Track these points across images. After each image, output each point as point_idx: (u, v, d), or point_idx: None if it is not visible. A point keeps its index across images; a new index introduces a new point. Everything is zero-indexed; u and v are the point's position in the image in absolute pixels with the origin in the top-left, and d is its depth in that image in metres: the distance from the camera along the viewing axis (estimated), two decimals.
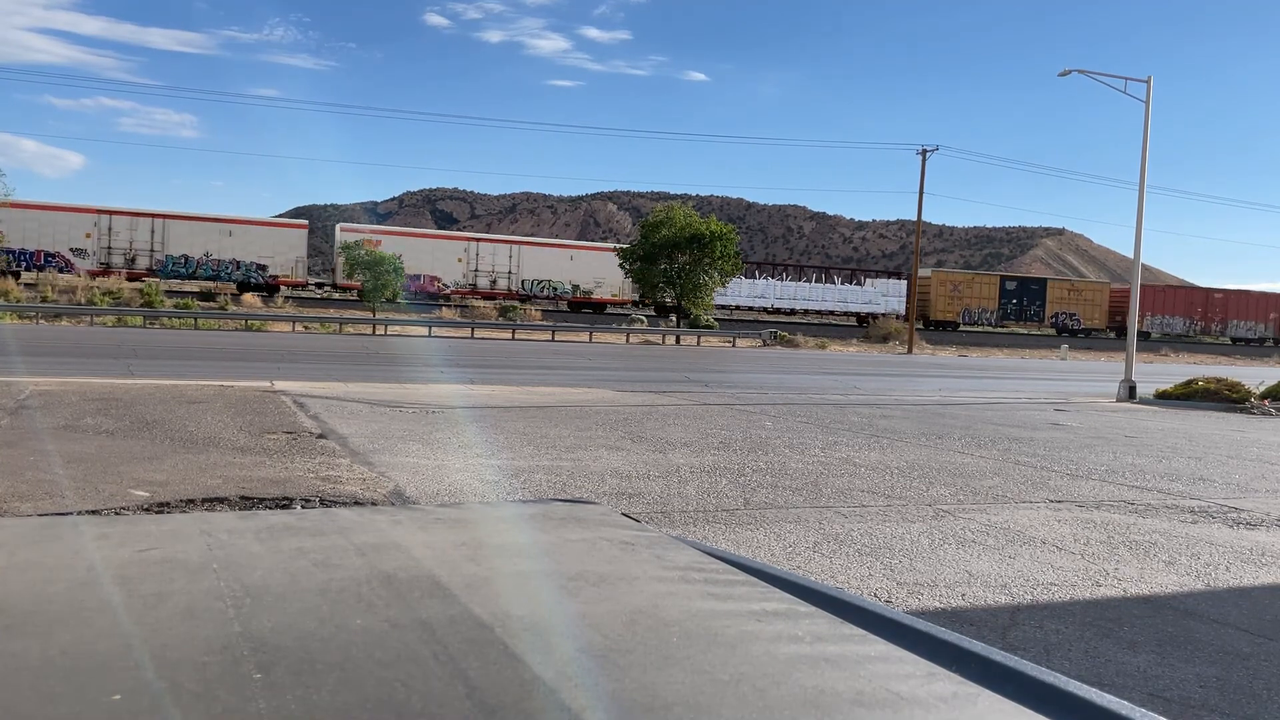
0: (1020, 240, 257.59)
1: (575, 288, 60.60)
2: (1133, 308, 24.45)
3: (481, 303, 56.23)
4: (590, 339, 45.87)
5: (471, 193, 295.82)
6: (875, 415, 15.49)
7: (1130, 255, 26.13)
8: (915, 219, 58.00)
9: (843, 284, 67.41)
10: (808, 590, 1.41)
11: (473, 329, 45.01)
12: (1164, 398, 21.87)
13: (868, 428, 13.60)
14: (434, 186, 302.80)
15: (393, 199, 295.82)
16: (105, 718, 0.88)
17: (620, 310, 60.52)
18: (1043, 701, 1.03)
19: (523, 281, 59.56)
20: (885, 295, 67.30)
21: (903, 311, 64.48)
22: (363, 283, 47.22)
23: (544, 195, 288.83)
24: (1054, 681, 1.08)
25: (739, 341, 50.55)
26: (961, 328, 68.36)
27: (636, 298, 60.64)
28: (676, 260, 52.37)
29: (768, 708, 0.96)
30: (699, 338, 49.98)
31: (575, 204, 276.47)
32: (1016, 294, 71.78)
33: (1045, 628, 4.90)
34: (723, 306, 60.28)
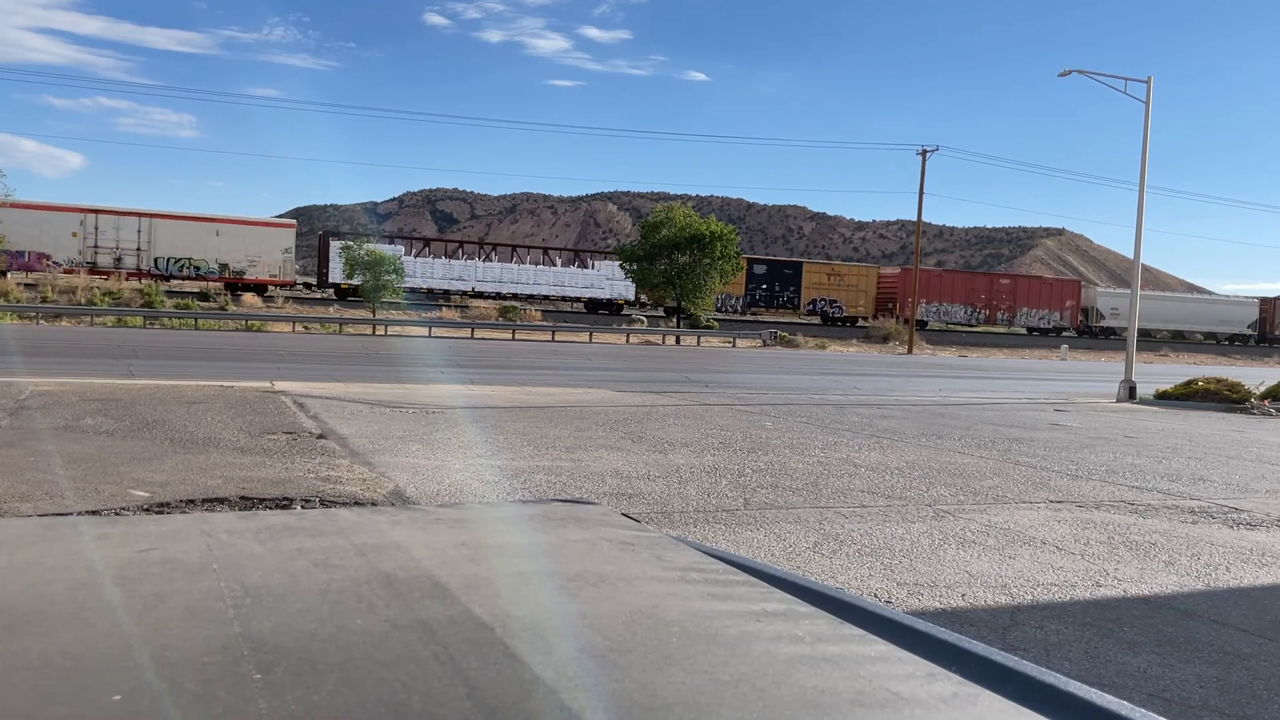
0: (1020, 240, 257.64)
1: (224, 267, 54.12)
2: (1133, 307, 24.45)
3: (99, 281, 49.14)
4: (590, 339, 45.86)
5: (471, 193, 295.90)
6: (875, 415, 15.49)
7: (1130, 255, 26.14)
8: (915, 219, 58.00)
9: (565, 266, 61.75)
10: (808, 590, 1.41)
11: (472, 329, 45.02)
12: (1164, 398, 21.87)
13: (868, 428, 13.60)
14: (434, 187, 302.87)
15: (393, 199, 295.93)
16: (105, 718, 0.88)
17: (288, 293, 54.68)
18: (1043, 702, 1.03)
19: (155, 260, 53.01)
20: (611, 279, 61.11)
21: (631, 297, 60.34)
22: (364, 283, 47.13)
23: (544, 195, 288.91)
24: (1054, 682, 1.08)
25: (739, 342, 50.55)
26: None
27: (297, 278, 56.65)
28: (676, 261, 52.34)
29: (768, 708, 0.96)
30: (699, 338, 49.98)
31: (575, 204, 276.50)
32: (767, 278, 65.66)
33: (1045, 628, 4.90)
34: (413, 290, 54.68)
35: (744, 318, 63.23)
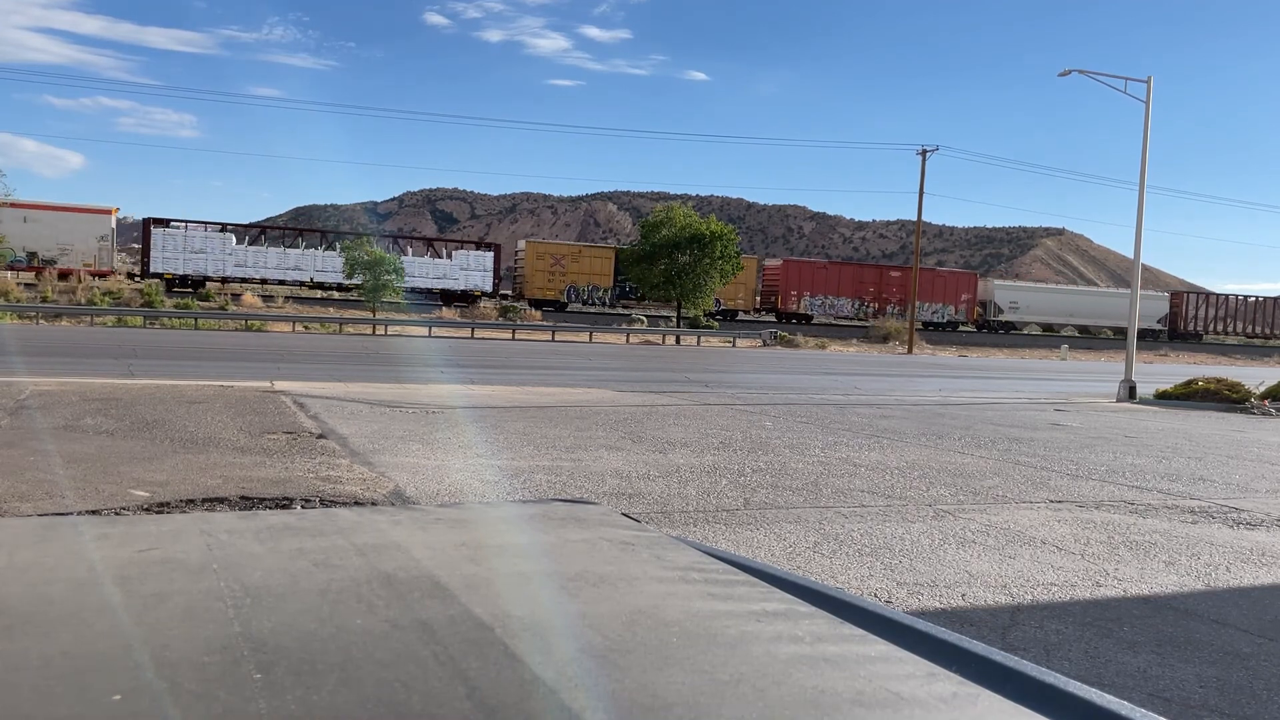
0: (1020, 240, 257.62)
1: (32, 255, 50.33)
2: (1133, 306, 24.45)
3: (99, 281, 49.04)
4: (590, 339, 45.87)
5: (471, 193, 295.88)
6: (875, 415, 15.49)
7: (1130, 255, 26.14)
8: (915, 219, 58.00)
9: (418, 256, 57.65)
10: (808, 590, 1.41)
11: (473, 329, 45.02)
12: (1164, 398, 21.87)
13: (868, 428, 13.60)
14: (434, 187, 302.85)
15: (393, 199, 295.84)
16: (105, 718, 0.88)
17: (103, 283, 49.70)
18: (1043, 702, 1.03)
19: None
20: (467, 269, 57.60)
21: (489, 288, 57.46)
22: (365, 283, 47.00)
23: (544, 195, 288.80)
24: (1054, 681, 1.08)
25: (739, 342, 50.56)
26: (569, 308, 58.84)
27: (118, 267, 52.72)
28: (676, 260, 52.34)
29: (768, 708, 0.96)
30: (699, 338, 49.99)
31: (575, 204, 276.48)
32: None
33: (1045, 628, 4.90)
34: (246, 280, 52.51)
35: (613, 310, 58.66)
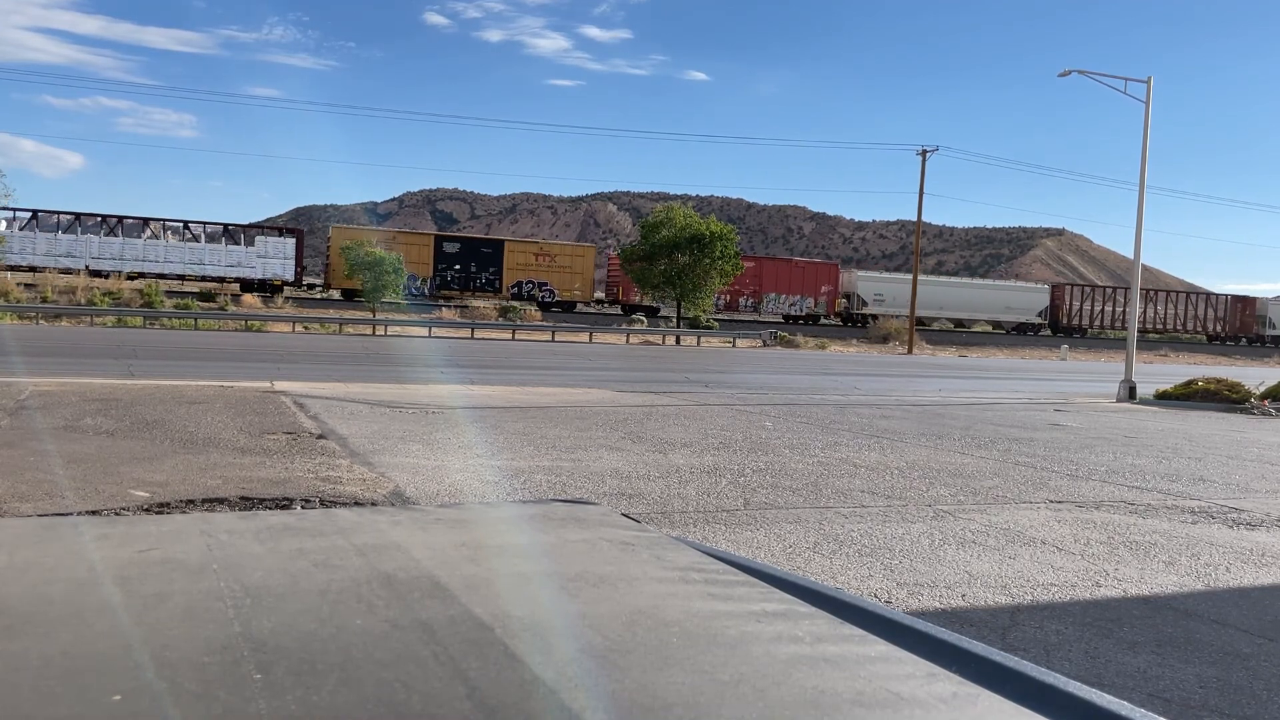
0: (1020, 240, 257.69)
1: None
2: (1133, 305, 24.45)
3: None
4: (590, 339, 45.87)
5: (471, 193, 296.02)
6: (875, 416, 15.49)
7: (1130, 255, 26.16)
8: (915, 219, 58.00)
9: (211, 243, 53.88)
10: (808, 591, 1.41)
11: (472, 329, 45.02)
12: (1164, 398, 21.87)
13: (868, 428, 13.60)
14: (434, 187, 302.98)
15: (393, 199, 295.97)
16: (105, 718, 0.88)
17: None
18: (1043, 702, 1.03)
19: None
20: (266, 257, 54.14)
21: (291, 277, 54.45)
22: (364, 284, 46.96)
23: (544, 195, 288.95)
24: (1054, 682, 1.08)
25: (739, 342, 50.56)
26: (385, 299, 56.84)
27: None
28: (676, 261, 52.32)
29: (768, 708, 0.96)
30: (699, 338, 49.99)
31: (575, 204, 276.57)
32: (460, 258, 58.96)
33: (1045, 628, 4.90)
34: (13, 269, 48.73)
35: (433, 302, 55.64)
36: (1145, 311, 73.87)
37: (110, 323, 38.37)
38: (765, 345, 50.83)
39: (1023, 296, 70.89)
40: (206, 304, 46.66)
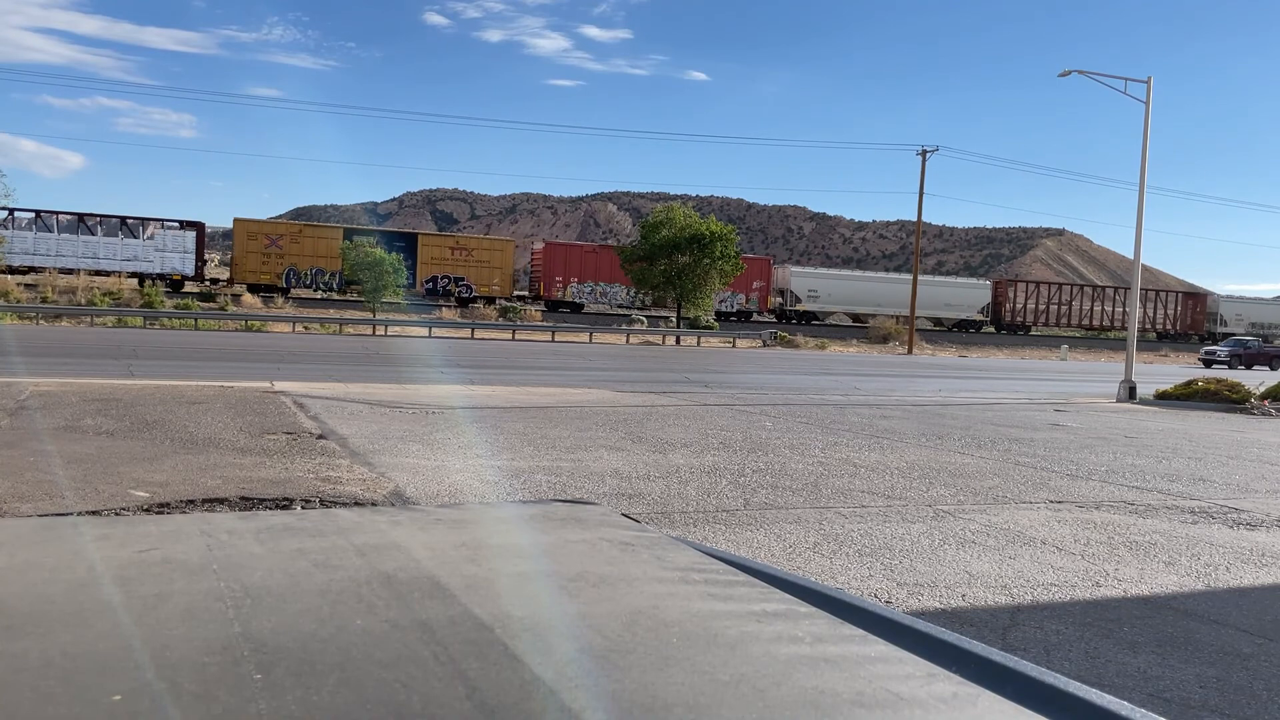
0: (1020, 241, 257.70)
1: None
2: (1133, 304, 24.45)
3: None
4: (590, 339, 45.87)
5: (471, 193, 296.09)
6: (875, 416, 15.49)
7: (1130, 255, 26.14)
8: (915, 219, 57.99)
9: (109, 236, 51.49)
10: (808, 591, 1.41)
11: (472, 330, 45.03)
12: (1164, 398, 21.87)
13: (868, 428, 13.60)
14: (434, 187, 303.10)
15: (393, 199, 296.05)
16: (105, 718, 0.88)
17: None
18: (1043, 702, 1.03)
19: None
20: (164, 250, 52.41)
21: (191, 272, 52.92)
22: (364, 283, 46.94)
23: (544, 196, 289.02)
24: (1054, 682, 1.08)
25: (739, 342, 50.56)
26: (293, 292, 53.67)
27: None
28: (676, 261, 52.32)
29: (768, 708, 0.96)
30: (699, 338, 49.99)
31: (575, 204, 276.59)
32: None
33: (1045, 628, 4.90)
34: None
35: (343, 297, 53.98)
36: (1093, 308, 72.91)
37: (110, 323, 38.37)
38: (765, 345, 50.84)
39: (964, 293, 69.09)
40: (207, 304, 46.68)
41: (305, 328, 41.92)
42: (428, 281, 57.35)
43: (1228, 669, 4.45)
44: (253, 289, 52.95)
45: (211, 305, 46.54)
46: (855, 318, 65.66)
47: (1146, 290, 77.47)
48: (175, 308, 42.94)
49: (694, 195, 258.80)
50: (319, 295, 54.65)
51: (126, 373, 17.34)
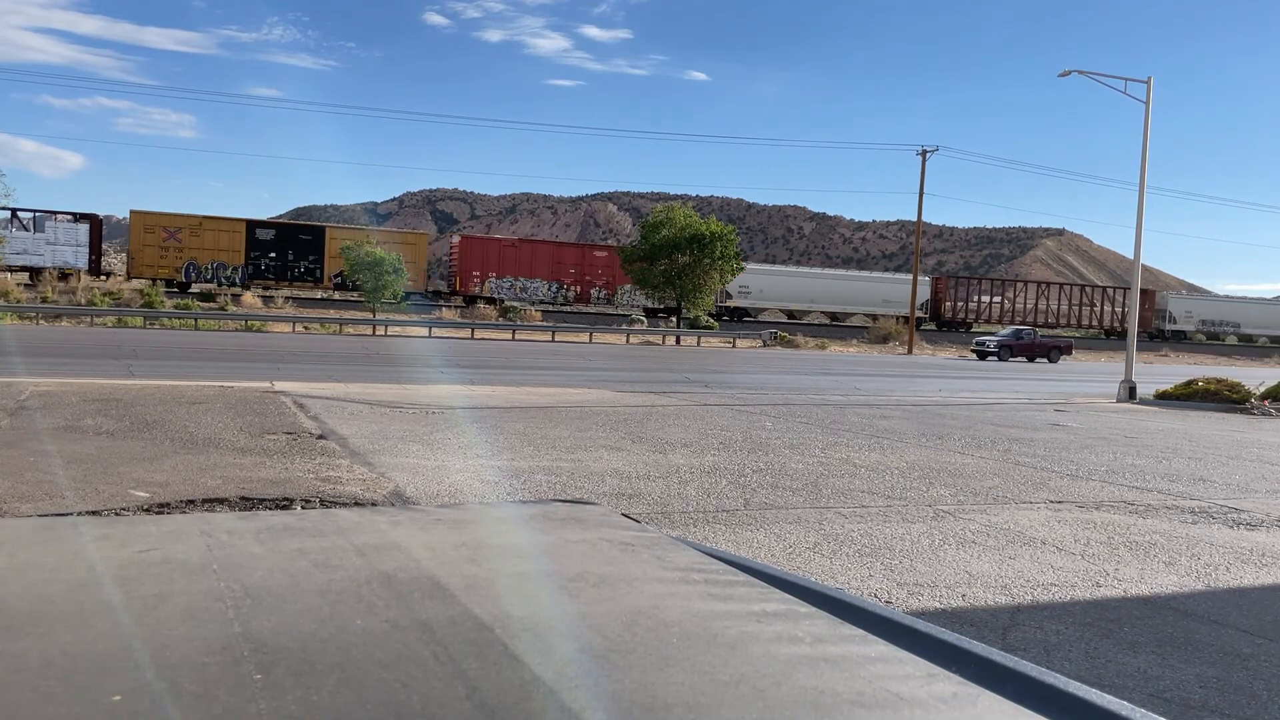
0: (1020, 241, 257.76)
1: None
2: (1133, 304, 24.45)
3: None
4: (590, 339, 45.87)
5: (471, 193, 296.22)
6: (875, 416, 15.49)
7: (1130, 255, 26.15)
8: (915, 219, 57.98)
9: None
10: (808, 591, 1.41)
11: (472, 330, 45.04)
12: (1164, 398, 21.87)
13: (868, 428, 13.60)
14: (434, 187, 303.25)
15: (393, 199, 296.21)
16: (105, 718, 0.88)
17: None
18: (1043, 702, 1.03)
19: None
20: (55, 244, 50.73)
21: (84, 265, 50.86)
22: (364, 283, 46.93)
23: (544, 196, 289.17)
24: (1054, 682, 1.08)
25: (739, 342, 50.57)
26: (193, 288, 52.01)
27: None
28: (676, 261, 52.33)
29: (768, 708, 0.96)
30: (699, 338, 50.00)
31: (575, 204, 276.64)
32: (277, 245, 55.18)
33: (1045, 628, 4.90)
34: None
35: (249, 292, 52.12)
36: (1037, 304, 71.14)
37: (110, 323, 38.37)
38: (765, 345, 50.85)
39: (901, 289, 65.95)
40: (207, 304, 46.67)
41: (305, 328, 41.92)
42: (335, 275, 55.38)
43: (1228, 669, 4.45)
44: (152, 284, 50.09)
45: (212, 305, 46.54)
46: (790, 314, 63.71)
47: (1094, 287, 76.33)
48: (175, 308, 42.95)
49: (694, 195, 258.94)
50: (223, 290, 52.34)
51: (126, 373, 17.34)
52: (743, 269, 55.55)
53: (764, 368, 31.13)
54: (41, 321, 37.50)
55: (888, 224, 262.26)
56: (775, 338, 52.62)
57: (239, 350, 26.81)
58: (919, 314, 66.20)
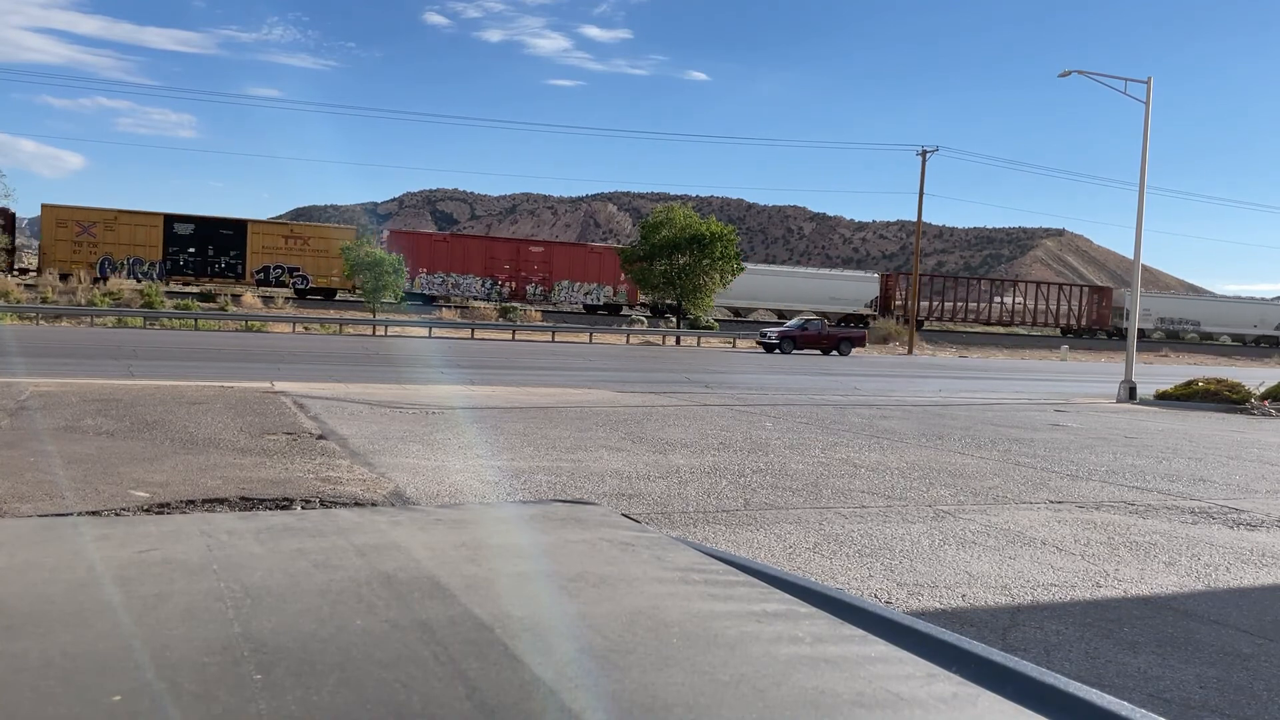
0: (1020, 241, 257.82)
1: None
2: (1134, 303, 24.45)
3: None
4: (590, 340, 45.88)
5: (471, 193, 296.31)
6: (875, 416, 15.49)
7: (1130, 255, 26.15)
8: (915, 219, 57.98)
9: None
10: (808, 591, 1.41)
11: (472, 330, 45.04)
12: (1164, 398, 21.87)
13: (868, 428, 13.59)
14: (434, 187, 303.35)
15: (393, 199, 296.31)
16: (105, 718, 0.88)
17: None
18: (1043, 702, 1.03)
19: None
20: None
21: None
22: (364, 283, 46.92)
23: (544, 196, 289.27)
24: (1054, 682, 1.08)
25: (739, 342, 50.58)
26: (109, 283, 49.16)
27: None
28: (676, 261, 52.32)
29: (768, 708, 0.96)
30: (699, 338, 50.00)
31: (575, 204, 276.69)
32: (196, 240, 53.72)
33: (1045, 628, 4.90)
34: None
35: (169, 288, 50.43)
36: (990, 304, 69.86)
37: (110, 323, 38.37)
38: None
39: (849, 286, 65.78)
40: (207, 304, 46.67)
41: (305, 328, 41.93)
42: (258, 271, 54.24)
43: (1228, 669, 4.45)
44: (64, 279, 48.96)
45: (212, 305, 46.54)
46: (736, 311, 62.50)
47: (1050, 285, 74.93)
48: (175, 308, 42.96)
49: (694, 195, 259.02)
50: (140, 285, 50.45)
51: (126, 373, 17.34)
52: (743, 269, 55.47)
53: (764, 368, 31.13)
54: (41, 322, 37.50)
55: (888, 224, 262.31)
56: None
57: (239, 350, 26.81)
58: (866, 310, 65.33)
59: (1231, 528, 7.74)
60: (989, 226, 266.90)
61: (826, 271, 72.70)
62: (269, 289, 53.60)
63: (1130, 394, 22.36)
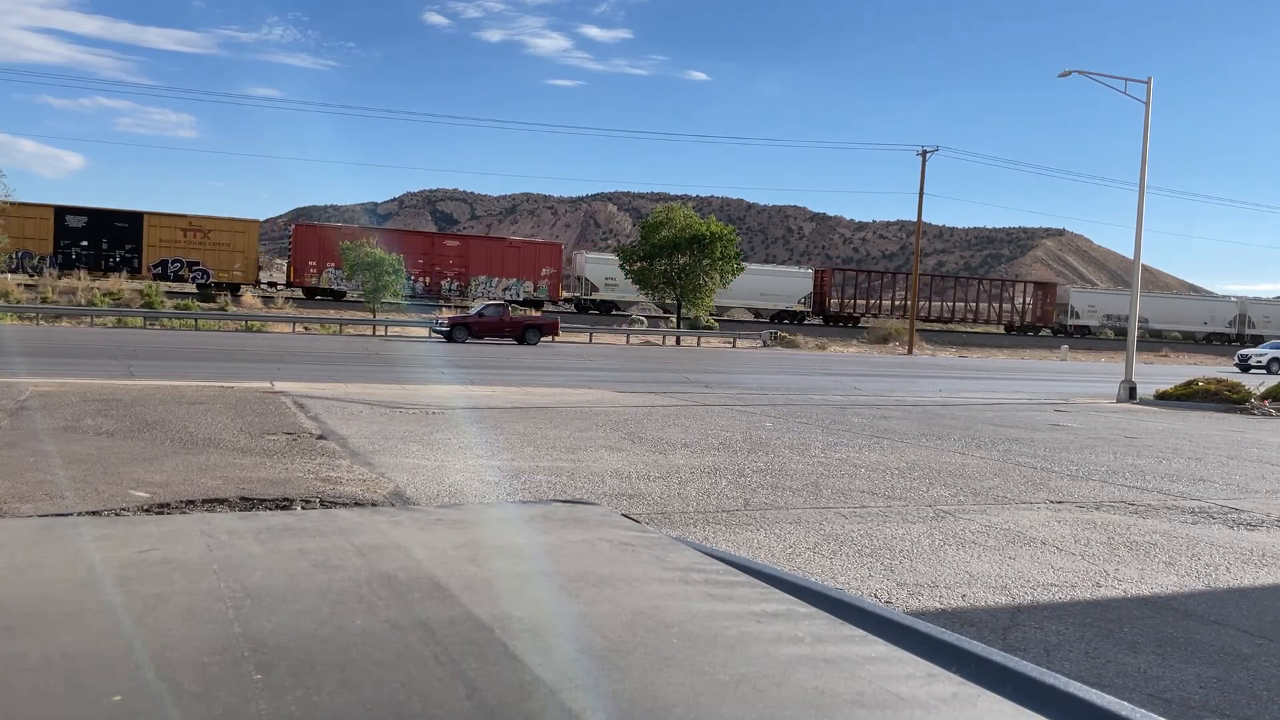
0: (1020, 241, 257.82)
1: None
2: (1133, 304, 24.45)
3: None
4: (590, 340, 45.88)
5: (471, 193, 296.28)
6: (875, 416, 15.49)
7: (1130, 255, 26.15)
8: (915, 219, 57.97)
9: None
10: (808, 591, 1.41)
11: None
12: (1164, 398, 21.88)
13: (868, 428, 13.59)
14: (434, 187, 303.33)
15: (393, 199, 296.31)
16: (105, 718, 0.88)
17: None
18: (1043, 702, 1.03)
19: None
20: None
21: None
22: (364, 284, 46.90)
23: (544, 196, 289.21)
24: (1054, 682, 1.08)
25: (739, 342, 50.59)
26: None
27: None
28: (676, 261, 52.30)
29: (768, 708, 0.96)
30: (699, 338, 50.01)
31: (575, 204, 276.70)
32: (89, 233, 51.72)
33: (1045, 628, 4.90)
34: None
35: (56, 281, 47.87)
36: (931, 301, 68.63)
37: (110, 323, 38.37)
38: (765, 345, 50.86)
39: (781, 282, 64.57)
40: (206, 304, 46.66)
41: (305, 328, 41.92)
42: (156, 266, 52.37)
43: (1228, 669, 4.45)
44: None
45: (211, 305, 46.52)
46: (664, 308, 61.00)
47: (992, 280, 73.31)
48: (175, 308, 42.94)
49: (694, 195, 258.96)
50: (31, 280, 48.00)
51: (126, 373, 17.34)
52: (743, 269, 55.47)
53: (764, 368, 31.13)
54: (41, 322, 37.50)
55: (888, 224, 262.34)
56: (775, 338, 52.63)
57: (239, 350, 26.81)
58: (800, 307, 63.55)
59: (1231, 527, 7.74)
60: (989, 226, 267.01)
61: (761, 267, 70.52)
62: (166, 284, 51.49)
63: (1130, 394, 22.36)
